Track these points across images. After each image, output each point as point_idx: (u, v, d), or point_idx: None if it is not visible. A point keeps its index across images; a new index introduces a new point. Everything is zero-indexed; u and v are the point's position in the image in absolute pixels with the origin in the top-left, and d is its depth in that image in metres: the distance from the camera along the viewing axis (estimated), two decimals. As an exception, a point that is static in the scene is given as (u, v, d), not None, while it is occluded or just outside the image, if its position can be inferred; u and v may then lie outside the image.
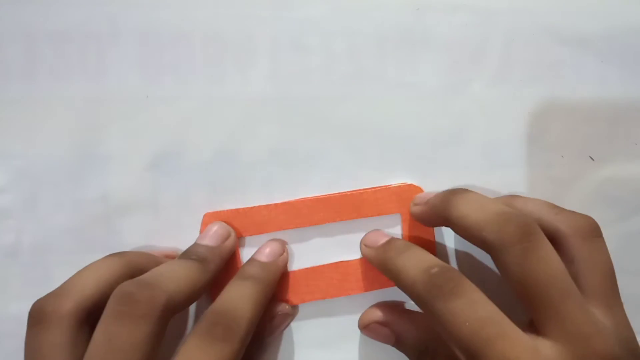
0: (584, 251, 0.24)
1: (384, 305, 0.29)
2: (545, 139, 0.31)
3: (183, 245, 0.29)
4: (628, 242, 0.31)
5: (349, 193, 0.29)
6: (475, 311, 0.21)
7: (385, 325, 0.28)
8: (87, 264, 0.28)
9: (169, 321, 0.23)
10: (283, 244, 0.29)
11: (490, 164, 0.31)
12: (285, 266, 0.29)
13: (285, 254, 0.29)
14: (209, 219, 0.29)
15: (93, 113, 0.29)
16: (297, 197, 0.30)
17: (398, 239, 0.28)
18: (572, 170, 0.31)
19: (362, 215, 0.29)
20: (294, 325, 0.30)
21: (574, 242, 0.24)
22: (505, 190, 0.31)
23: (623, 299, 0.25)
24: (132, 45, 0.29)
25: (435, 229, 0.30)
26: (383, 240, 0.28)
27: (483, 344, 0.20)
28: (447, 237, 0.31)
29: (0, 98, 0.29)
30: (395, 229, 0.30)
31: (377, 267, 0.27)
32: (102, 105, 0.29)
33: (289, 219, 0.29)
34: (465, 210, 0.25)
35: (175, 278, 0.24)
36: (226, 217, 0.29)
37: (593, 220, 0.25)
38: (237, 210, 0.29)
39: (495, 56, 0.31)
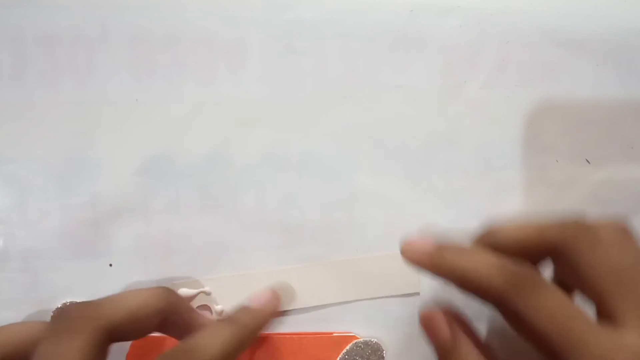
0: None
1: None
2: (541, 142, 0.31)
3: (173, 250, 0.28)
4: (624, 245, 0.31)
5: (288, 336, 0.29)
6: (560, 307, 0.22)
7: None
8: (76, 269, 0.28)
9: (109, 342, 0.22)
10: (276, 292, 0.28)
11: (484, 167, 0.30)
12: (274, 313, 0.27)
13: (277, 302, 0.27)
14: (134, 351, 0.28)
15: (82, 117, 0.29)
16: (289, 202, 0.29)
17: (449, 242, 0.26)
18: (567, 173, 0.31)
19: None
20: None
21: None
22: (500, 193, 0.30)
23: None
24: (121, 48, 0.29)
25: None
26: (432, 243, 0.25)
27: (570, 338, 0.21)
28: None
29: (-12, 102, 0.28)
30: None
31: (431, 269, 0.25)
32: (91, 109, 0.29)
33: None
34: (514, 226, 0.24)
35: (122, 301, 0.23)
36: (155, 345, 0.28)
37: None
38: (165, 337, 0.28)
39: (490, 58, 0.30)
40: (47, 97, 0.29)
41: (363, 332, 0.29)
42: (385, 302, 0.30)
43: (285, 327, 0.29)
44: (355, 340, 0.29)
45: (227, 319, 0.25)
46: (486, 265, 0.23)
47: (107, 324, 0.22)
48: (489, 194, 0.30)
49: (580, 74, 0.31)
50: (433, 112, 0.30)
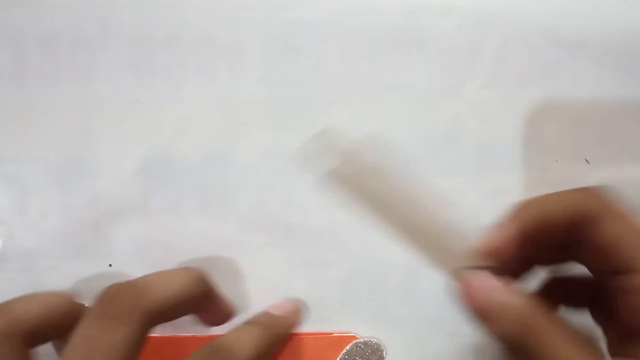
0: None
1: None
2: (540, 142, 0.31)
3: (173, 250, 0.28)
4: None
5: None
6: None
7: None
8: (76, 269, 0.28)
9: (152, 325, 0.22)
10: (297, 304, 0.29)
11: (484, 167, 0.30)
12: (295, 324, 0.28)
13: (298, 314, 0.28)
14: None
15: (82, 117, 0.29)
16: (289, 202, 0.29)
17: None
18: (567, 173, 0.30)
19: None
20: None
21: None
22: (500, 193, 0.30)
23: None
24: (121, 48, 0.29)
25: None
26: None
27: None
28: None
29: (-12, 102, 0.28)
30: None
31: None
32: (91, 109, 0.29)
33: None
34: (540, 198, 0.23)
35: (165, 283, 0.23)
36: (152, 343, 0.26)
37: None
38: (163, 337, 0.28)
39: (490, 58, 0.30)
40: (47, 97, 0.29)
41: (363, 332, 0.29)
42: (386, 302, 0.30)
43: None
44: (355, 341, 0.29)
45: (253, 322, 0.26)
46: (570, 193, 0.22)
47: (152, 312, 0.22)
48: (489, 194, 0.30)
49: (580, 74, 0.31)
50: (432, 112, 0.30)
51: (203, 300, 0.25)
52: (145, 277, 0.23)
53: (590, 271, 0.23)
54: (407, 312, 0.30)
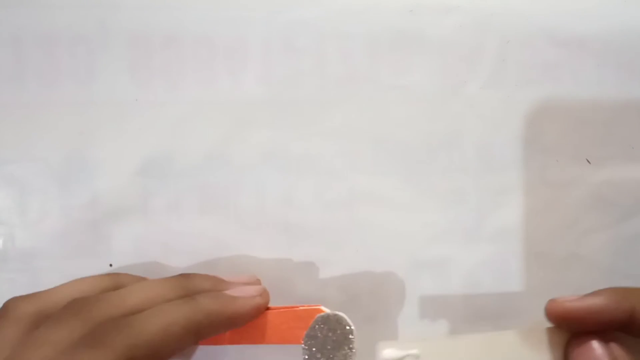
0: None
1: None
2: (541, 142, 0.31)
3: (173, 250, 0.28)
4: (625, 245, 0.31)
5: None
6: None
7: None
8: (75, 269, 0.28)
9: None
10: (265, 291, 0.26)
11: (485, 167, 0.30)
12: (254, 309, 0.25)
13: (258, 298, 0.25)
14: None
15: (82, 117, 0.29)
16: (289, 202, 0.29)
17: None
18: (568, 173, 0.30)
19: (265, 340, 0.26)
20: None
21: None
22: (500, 193, 0.30)
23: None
24: (121, 48, 0.29)
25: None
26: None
27: None
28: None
29: (-12, 102, 0.28)
30: None
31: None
32: (91, 109, 0.29)
33: None
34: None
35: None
36: None
37: None
38: None
39: (490, 58, 0.30)
40: (47, 97, 0.29)
41: (362, 331, 0.29)
42: (386, 302, 0.30)
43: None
44: (321, 314, 0.26)
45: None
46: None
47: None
48: (489, 194, 0.30)
49: (581, 73, 0.31)
50: (433, 112, 0.30)
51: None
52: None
53: None
54: (407, 312, 0.30)
